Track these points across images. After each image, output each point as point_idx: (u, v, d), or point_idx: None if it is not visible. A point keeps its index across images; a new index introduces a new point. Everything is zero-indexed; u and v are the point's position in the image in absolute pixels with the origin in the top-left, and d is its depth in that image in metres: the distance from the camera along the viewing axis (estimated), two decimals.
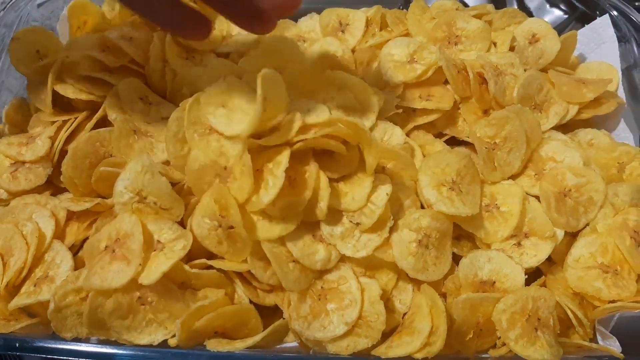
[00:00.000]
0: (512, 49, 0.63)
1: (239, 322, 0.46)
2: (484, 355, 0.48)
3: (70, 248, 0.50)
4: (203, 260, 0.47)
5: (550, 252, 0.50)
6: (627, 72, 0.64)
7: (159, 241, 0.46)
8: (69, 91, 0.56)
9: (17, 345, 0.45)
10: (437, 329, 0.45)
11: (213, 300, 0.45)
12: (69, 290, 0.46)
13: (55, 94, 0.56)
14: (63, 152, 0.54)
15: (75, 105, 0.58)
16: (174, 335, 0.45)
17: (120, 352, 0.45)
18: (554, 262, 0.51)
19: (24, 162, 0.54)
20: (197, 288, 0.47)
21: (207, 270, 0.46)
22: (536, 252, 0.50)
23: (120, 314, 0.45)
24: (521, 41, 0.62)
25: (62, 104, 0.58)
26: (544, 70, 0.61)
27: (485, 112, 0.58)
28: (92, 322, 0.45)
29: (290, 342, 0.48)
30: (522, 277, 0.49)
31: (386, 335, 0.47)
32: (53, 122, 0.57)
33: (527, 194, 0.53)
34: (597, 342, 0.48)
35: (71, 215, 0.52)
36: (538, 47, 0.62)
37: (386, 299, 0.48)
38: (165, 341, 0.46)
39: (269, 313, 0.49)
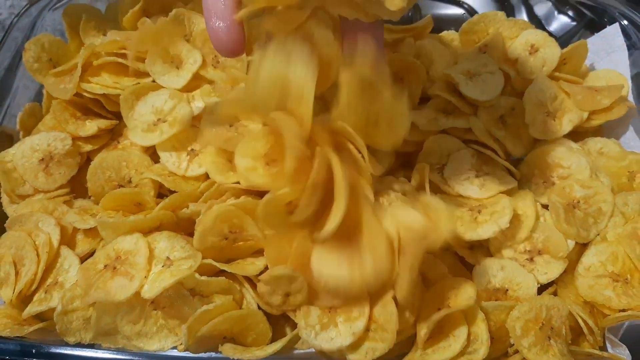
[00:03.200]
0: (514, 62, 0.63)
1: (246, 326, 0.46)
2: None
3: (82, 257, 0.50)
4: (210, 261, 0.46)
5: (560, 272, 0.50)
6: (636, 80, 0.64)
7: (168, 258, 0.46)
8: (96, 88, 0.56)
9: (33, 351, 0.45)
10: (477, 336, 0.45)
11: (218, 305, 0.45)
12: (77, 295, 0.46)
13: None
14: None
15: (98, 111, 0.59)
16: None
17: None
18: (565, 270, 0.51)
19: (52, 157, 0.55)
20: (205, 295, 0.47)
21: (216, 278, 0.46)
22: (547, 270, 0.50)
23: (131, 319, 0.45)
24: (522, 53, 0.62)
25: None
26: (551, 77, 0.61)
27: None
28: (99, 327, 0.45)
29: (307, 349, 0.47)
30: (535, 286, 0.49)
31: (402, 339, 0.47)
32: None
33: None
34: (606, 350, 0.48)
35: None
36: (539, 57, 0.62)
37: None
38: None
39: (277, 318, 0.48)
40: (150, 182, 0.53)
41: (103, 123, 0.57)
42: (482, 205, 0.51)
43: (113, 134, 0.59)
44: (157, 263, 0.46)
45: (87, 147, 0.57)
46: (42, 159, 0.55)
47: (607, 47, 0.66)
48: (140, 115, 0.56)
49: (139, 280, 0.44)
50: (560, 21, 0.77)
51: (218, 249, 0.48)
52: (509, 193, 0.53)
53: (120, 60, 0.56)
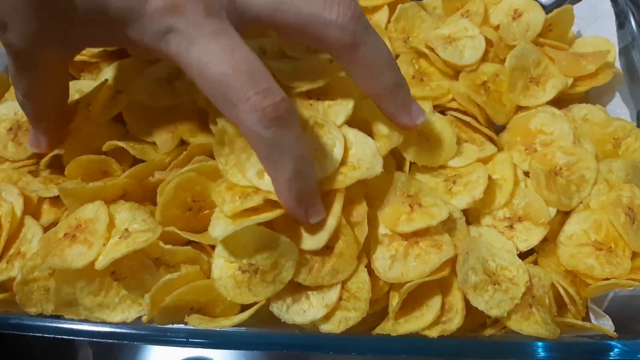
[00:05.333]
0: (496, 28, 0.60)
1: (213, 297, 0.44)
2: (473, 335, 0.46)
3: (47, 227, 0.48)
4: (172, 229, 0.44)
5: (541, 239, 0.48)
6: (624, 50, 0.62)
7: (127, 229, 0.44)
8: None
9: None
10: (452, 305, 0.43)
11: (183, 274, 0.43)
12: (37, 264, 0.44)
13: None
14: None
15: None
16: None
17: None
18: (546, 239, 0.49)
19: (19, 126, 0.53)
20: (171, 265, 0.45)
21: (181, 247, 0.44)
22: (527, 237, 0.48)
23: (91, 290, 0.43)
24: (504, 19, 0.60)
25: None
26: (536, 44, 0.59)
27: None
28: (59, 298, 0.43)
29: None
30: (514, 254, 0.47)
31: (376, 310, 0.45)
32: None
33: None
34: (590, 322, 0.46)
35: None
36: (522, 22, 0.59)
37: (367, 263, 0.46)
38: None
39: None
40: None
41: None
42: (458, 175, 0.50)
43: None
44: (115, 234, 0.44)
45: None
46: (10, 129, 0.53)
47: (594, 14, 0.64)
48: None
49: (97, 248, 0.42)
50: None
51: (183, 221, 0.46)
52: (487, 160, 0.51)
53: None
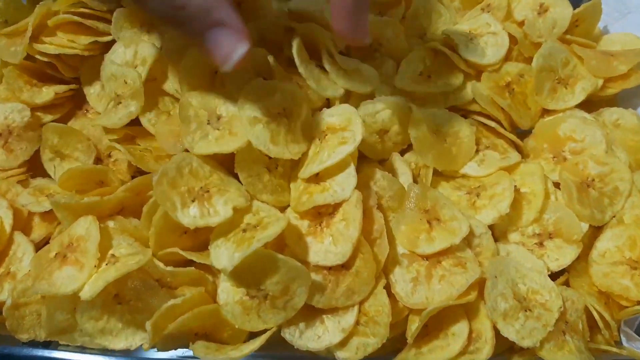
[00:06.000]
0: (520, 24, 0.56)
1: (220, 321, 0.41)
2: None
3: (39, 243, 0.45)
4: (175, 249, 0.41)
5: (574, 258, 0.45)
6: None
7: (113, 255, 0.40)
8: (50, 48, 0.50)
9: None
10: (481, 333, 0.40)
11: (187, 299, 0.39)
12: (29, 286, 0.41)
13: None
14: None
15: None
16: None
17: None
18: (577, 257, 0.46)
19: (10, 132, 0.49)
20: (173, 287, 0.42)
21: (183, 269, 0.41)
22: (558, 256, 0.45)
23: (93, 315, 0.40)
24: (529, 14, 0.56)
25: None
26: (562, 41, 0.55)
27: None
28: (52, 325, 0.40)
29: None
30: (546, 275, 0.43)
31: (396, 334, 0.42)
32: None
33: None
34: (621, 344, 0.44)
35: None
36: (549, 17, 0.55)
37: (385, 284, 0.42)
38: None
39: None
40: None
41: (60, 88, 0.51)
42: (482, 187, 0.46)
43: (77, 101, 0.53)
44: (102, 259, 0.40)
45: (48, 118, 0.51)
46: (1, 135, 0.49)
47: (622, 8, 0.60)
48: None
49: (88, 270, 0.38)
50: None
51: (182, 242, 0.42)
52: (513, 169, 0.47)
53: (76, 18, 0.49)
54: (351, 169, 0.42)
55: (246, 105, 0.41)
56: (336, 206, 0.42)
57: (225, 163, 0.43)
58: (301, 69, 0.43)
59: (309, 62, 0.46)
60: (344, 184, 0.41)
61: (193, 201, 0.40)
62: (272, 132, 0.41)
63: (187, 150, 0.42)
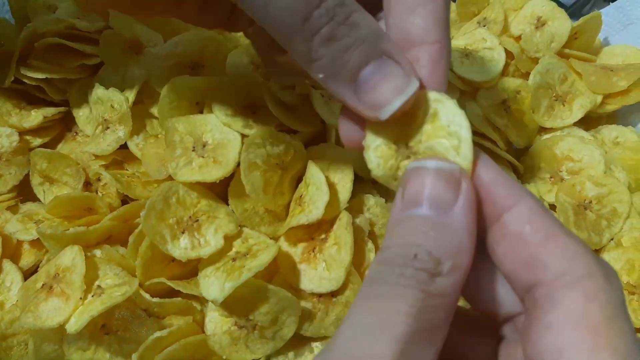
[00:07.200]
0: (518, 39, 0.55)
1: (208, 352, 0.40)
2: None
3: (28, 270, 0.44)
4: (161, 279, 0.40)
5: None
6: None
7: (99, 286, 0.40)
8: (38, 72, 0.49)
9: None
10: None
11: (173, 330, 0.39)
12: (16, 317, 0.40)
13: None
14: None
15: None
16: None
17: None
18: None
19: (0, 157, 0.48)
20: (161, 316, 0.41)
21: (170, 299, 0.40)
22: None
23: (80, 345, 0.39)
24: (526, 28, 0.54)
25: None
26: (561, 55, 0.53)
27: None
28: (39, 355, 0.39)
29: None
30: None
31: None
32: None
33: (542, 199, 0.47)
34: None
35: None
36: (547, 31, 0.54)
37: None
38: None
39: None
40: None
41: (49, 111, 0.50)
42: None
43: (66, 123, 0.52)
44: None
45: (37, 142, 0.50)
46: None
47: (623, 19, 0.59)
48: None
49: (74, 302, 0.38)
50: None
51: (169, 271, 0.42)
52: None
53: (64, 42, 0.49)
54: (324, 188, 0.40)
55: (250, 149, 0.41)
56: (327, 229, 0.41)
57: (215, 187, 0.42)
58: None
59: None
60: (318, 202, 0.40)
61: (183, 232, 0.40)
62: (266, 181, 0.41)
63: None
